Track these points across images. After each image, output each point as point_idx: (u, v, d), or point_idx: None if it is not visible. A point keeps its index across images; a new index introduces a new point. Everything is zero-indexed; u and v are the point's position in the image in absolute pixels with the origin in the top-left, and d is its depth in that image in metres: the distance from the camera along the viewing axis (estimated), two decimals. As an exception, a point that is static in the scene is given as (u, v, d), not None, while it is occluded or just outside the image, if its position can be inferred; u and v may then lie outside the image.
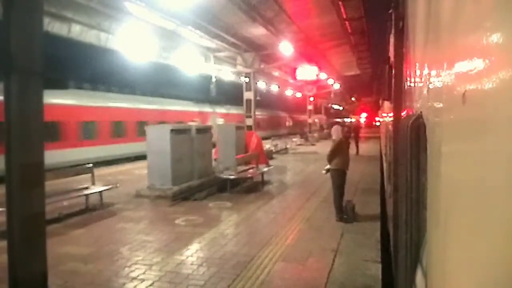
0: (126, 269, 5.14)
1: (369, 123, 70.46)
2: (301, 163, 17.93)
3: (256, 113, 21.20)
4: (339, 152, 7.67)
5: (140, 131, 18.27)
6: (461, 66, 0.92)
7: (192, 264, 5.33)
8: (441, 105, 1.22)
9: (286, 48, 17.65)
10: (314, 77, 26.66)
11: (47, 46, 3.69)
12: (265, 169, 12.58)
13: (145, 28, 13.74)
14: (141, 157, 14.70)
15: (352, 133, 23.13)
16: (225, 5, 13.15)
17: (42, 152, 3.40)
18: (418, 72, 2.05)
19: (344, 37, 21.76)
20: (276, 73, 27.68)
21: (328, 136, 36.22)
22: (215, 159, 12.96)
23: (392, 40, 4.43)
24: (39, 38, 3.39)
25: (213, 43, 17.08)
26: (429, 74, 1.53)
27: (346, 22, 18.63)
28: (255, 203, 9.22)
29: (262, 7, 14.44)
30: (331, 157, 7.64)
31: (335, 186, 7.66)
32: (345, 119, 67.95)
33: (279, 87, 30.29)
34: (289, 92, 35.35)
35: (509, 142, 0.60)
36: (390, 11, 4.69)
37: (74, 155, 15.86)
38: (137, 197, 9.63)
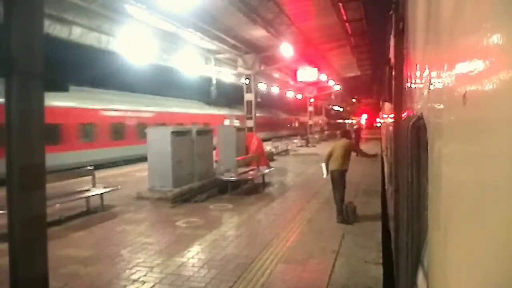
0: (127, 271, 5.13)
1: (370, 125, 70.38)
2: (301, 164, 17.92)
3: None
4: (349, 154, 7.85)
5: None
6: (462, 67, 0.91)
7: (193, 266, 5.32)
8: (441, 106, 1.22)
9: (286, 49, 17.67)
10: (314, 79, 26.68)
11: (48, 48, 3.70)
12: (266, 170, 12.56)
13: (145, 31, 13.77)
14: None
15: (353, 133, 23.20)
16: (225, 7, 13.16)
17: (43, 154, 3.40)
18: (418, 73, 2.05)
19: (344, 39, 21.78)
20: (276, 75, 27.69)
21: (329, 138, 36.32)
22: (216, 161, 12.96)
23: (392, 41, 4.44)
24: (40, 40, 3.39)
25: (213, 45, 17.10)
26: (429, 75, 1.53)
27: (347, 24, 18.66)
28: (256, 204, 9.22)
29: (262, 9, 14.47)
30: (344, 160, 7.69)
31: (341, 187, 7.67)
32: (346, 121, 68.00)
33: (280, 89, 30.30)
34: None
35: (509, 143, 0.60)
36: (390, 13, 4.69)
37: None
38: (138, 199, 9.63)
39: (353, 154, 8.30)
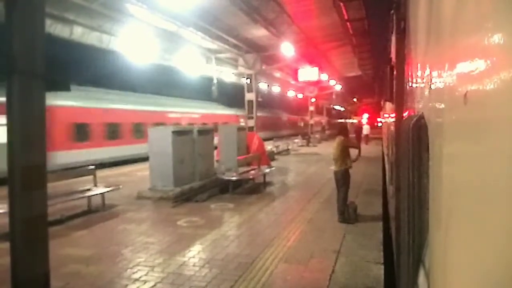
0: (128, 270, 5.14)
1: (371, 124, 70.17)
2: (302, 164, 17.91)
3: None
4: (347, 151, 7.73)
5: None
6: (463, 67, 0.91)
7: (194, 265, 5.33)
8: (442, 105, 1.21)
9: (287, 49, 17.66)
10: (315, 78, 26.66)
11: (49, 48, 3.71)
12: (267, 170, 12.56)
13: (146, 30, 13.78)
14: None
15: (354, 133, 23.14)
16: (227, 7, 13.17)
17: (44, 154, 3.41)
18: (419, 73, 2.04)
19: (345, 38, 21.73)
20: (277, 74, 27.69)
21: (330, 138, 36.32)
22: (217, 160, 12.96)
23: (393, 40, 4.43)
24: (41, 40, 3.40)
25: (214, 45, 17.10)
26: (430, 74, 1.53)
27: (348, 23, 18.61)
28: (257, 204, 9.22)
29: (263, 8, 14.46)
30: (343, 160, 7.64)
31: (344, 187, 7.64)
32: (347, 120, 68.14)
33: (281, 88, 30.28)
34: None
35: (510, 143, 0.60)
36: (391, 12, 4.70)
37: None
38: (139, 198, 9.64)
39: (354, 154, 8.25)
